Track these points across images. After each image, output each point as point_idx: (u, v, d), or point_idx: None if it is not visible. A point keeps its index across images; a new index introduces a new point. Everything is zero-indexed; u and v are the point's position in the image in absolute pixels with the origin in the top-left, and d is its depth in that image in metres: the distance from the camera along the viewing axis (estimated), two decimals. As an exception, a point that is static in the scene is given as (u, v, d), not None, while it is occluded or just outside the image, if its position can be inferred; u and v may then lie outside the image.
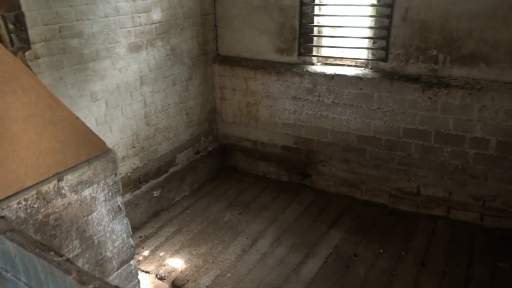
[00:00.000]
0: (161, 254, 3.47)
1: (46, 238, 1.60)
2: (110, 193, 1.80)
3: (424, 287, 3.02)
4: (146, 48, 3.68)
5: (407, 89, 3.64)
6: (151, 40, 3.71)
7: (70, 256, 1.68)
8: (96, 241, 1.77)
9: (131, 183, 3.76)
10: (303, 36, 4.04)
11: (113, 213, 1.81)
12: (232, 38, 4.46)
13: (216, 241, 3.61)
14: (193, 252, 3.48)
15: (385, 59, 3.74)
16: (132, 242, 1.93)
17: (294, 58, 4.18)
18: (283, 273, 3.21)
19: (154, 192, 3.96)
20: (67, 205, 1.69)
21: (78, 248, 1.72)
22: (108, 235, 1.81)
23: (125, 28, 3.43)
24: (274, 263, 3.33)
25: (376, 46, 3.77)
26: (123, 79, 3.51)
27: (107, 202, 1.79)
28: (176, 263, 3.35)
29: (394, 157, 3.91)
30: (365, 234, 3.64)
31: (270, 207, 4.08)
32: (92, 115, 3.28)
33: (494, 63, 3.35)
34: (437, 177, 3.77)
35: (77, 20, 3.03)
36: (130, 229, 1.90)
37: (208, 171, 4.65)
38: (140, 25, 3.57)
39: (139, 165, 3.85)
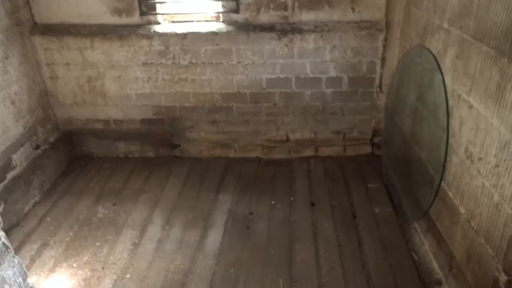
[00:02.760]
0: (32, 280, 2.76)
1: None
2: (-16, 230, 1.23)
3: (321, 225, 3.20)
4: None
5: (264, 39, 3.61)
6: None
7: None
8: (-20, 304, 1.19)
9: (-41, 205, 2.83)
10: (143, -8, 3.55)
11: (-5, 255, 1.25)
12: (50, 0, 3.62)
13: (98, 243, 3.07)
14: (74, 265, 2.88)
15: (236, 10, 3.59)
16: (31, 284, 1.39)
17: (136, 19, 3.67)
18: (187, 254, 2.95)
19: (-5, 209, 3.09)
20: None
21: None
22: (-5, 287, 1.25)
23: None
24: (173, 247, 3.03)
25: (226, -3, 3.58)
26: None
27: (-18, 244, 1.21)
28: (57, 284, 2.73)
29: (260, 109, 3.92)
30: (252, 190, 3.61)
31: (147, 189, 3.66)
32: None
33: (336, 5, 3.56)
34: (302, 120, 3.96)
35: None
36: (24, 268, 1.35)
37: (57, 166, 3.87)
38: None
39: (-36, 180, 2.92)
